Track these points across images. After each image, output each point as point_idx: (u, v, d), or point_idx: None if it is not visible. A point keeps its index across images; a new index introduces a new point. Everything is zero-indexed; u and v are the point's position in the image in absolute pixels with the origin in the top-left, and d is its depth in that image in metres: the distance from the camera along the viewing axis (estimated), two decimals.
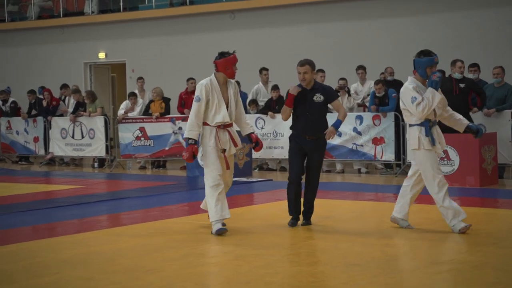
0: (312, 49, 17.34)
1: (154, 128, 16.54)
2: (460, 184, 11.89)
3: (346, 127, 14.31)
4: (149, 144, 16.58)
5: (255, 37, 18.76)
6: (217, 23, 19.62)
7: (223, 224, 8.03)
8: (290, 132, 15.00)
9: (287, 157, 15.39)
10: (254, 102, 15.86)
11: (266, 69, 16.16)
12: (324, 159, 14.45)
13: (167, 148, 16.48)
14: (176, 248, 7.38)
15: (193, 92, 16.18)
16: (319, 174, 8.45)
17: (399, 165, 14.26)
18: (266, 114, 15.43)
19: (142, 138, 16.61)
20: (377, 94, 14.15)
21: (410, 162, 13.64)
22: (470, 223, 7.75)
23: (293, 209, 8.36)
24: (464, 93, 12.56)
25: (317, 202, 8.59)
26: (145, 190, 12.78)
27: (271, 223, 8.84)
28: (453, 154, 12.15)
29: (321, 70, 14.56)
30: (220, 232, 7.89)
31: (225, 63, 7.97)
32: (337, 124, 8.25)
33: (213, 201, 7.92)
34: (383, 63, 15.90)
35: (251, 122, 15.47)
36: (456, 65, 12.64)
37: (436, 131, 7.83)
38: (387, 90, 14.12)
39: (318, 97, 8.24)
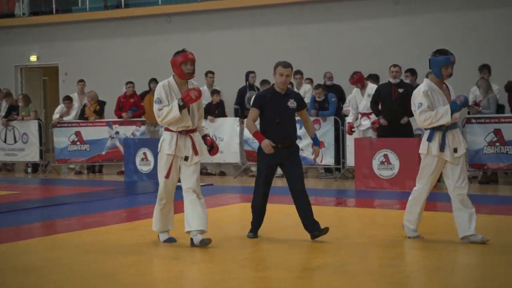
0: (250, 53, 17.37)
1: (90, 133, 16.21)
2: (400, 188, 11.98)
3: None
4: (85, 149, 16.25)
5: (192, 40, 18.60)
6: (153, 26, 19.41)
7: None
8: (231, 136, 14.91)
9: (227, 161, 15.50)
10: None
11: (212, 72, 16.03)
12: None
13: (103, 153, 16.18)
14: (126, 254, 7.19)
15: (132, 95, 15.99)
16: (303, 181, 7.81)
17: (339, 169, 14.34)
18: (206, 118, 15.30)
19: (78, 143, 16.26)
20: (317, 99, 14.20)
21: (350, 166, 13.78)
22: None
23: (257, 221, 7.94)
24: (402, 98, 12.37)
25: None
26: (83, 196, 12.51)
27: (217, 229, 8.72)
28: (393, 158, 12.28)
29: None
30: (169, 242, 7.76)
31: (174, 62, 7.52)
32: (317, 141, 7.85)
33: (157, 213, 7.77)
34: (323, 68, 15.99)
35: None
36: (390, 69, 12.72)
37: (452, 135, 7.41)
38: (327, 95, 14.19)
39: (292, 103, 7.70)
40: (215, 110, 15.38)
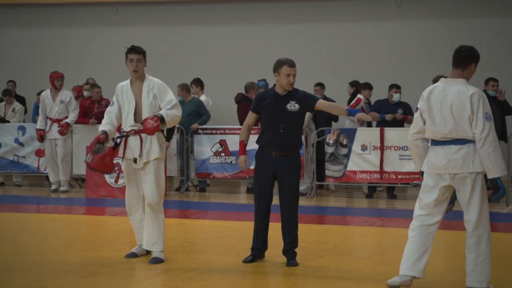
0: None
1: None
2: None
3: (8, 138, 13.66)
4: None
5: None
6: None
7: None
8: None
9: None
10: None
11: None
12: None
13: None
14: None
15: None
16: (296, 203, 6.85)
17: None
18: None
19: None
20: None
21: (76, 174, 13.39)
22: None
23: (258, 244, 6.93)
24: None
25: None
26: None
27: None
28: None
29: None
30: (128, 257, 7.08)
31: None
32: (355, 111, 6.73)
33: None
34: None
35: None
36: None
37: (434, 151, 5.78)
38: None
39: (293, 106, 6.79)
40: None
